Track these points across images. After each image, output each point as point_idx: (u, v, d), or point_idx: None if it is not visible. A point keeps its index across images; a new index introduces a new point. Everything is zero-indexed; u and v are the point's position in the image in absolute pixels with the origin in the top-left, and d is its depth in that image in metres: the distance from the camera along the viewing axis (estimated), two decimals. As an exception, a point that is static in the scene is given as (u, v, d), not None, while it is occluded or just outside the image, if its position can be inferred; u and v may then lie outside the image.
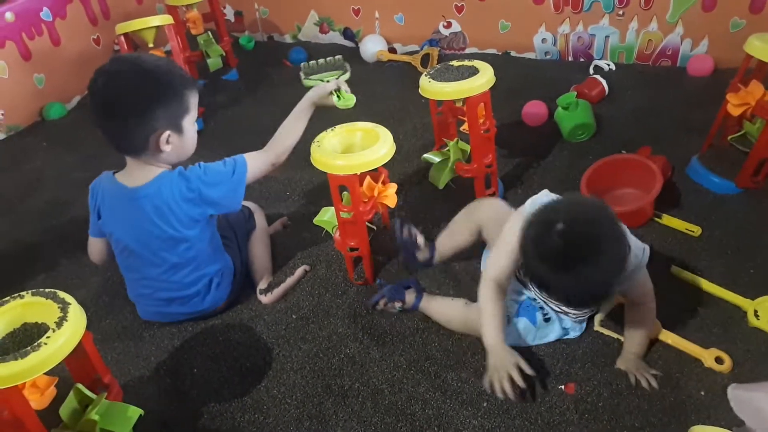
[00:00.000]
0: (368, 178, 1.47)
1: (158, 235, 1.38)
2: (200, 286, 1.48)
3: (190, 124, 1.39)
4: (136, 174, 1.38)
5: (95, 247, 1.53)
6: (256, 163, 1.45)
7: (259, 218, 1.73)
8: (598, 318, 1.38)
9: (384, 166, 1.44)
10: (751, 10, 2.28)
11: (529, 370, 1.19)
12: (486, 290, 1.26)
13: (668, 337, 1.32)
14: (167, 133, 1.33)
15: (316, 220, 1.62)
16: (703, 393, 1.22)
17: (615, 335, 1.34)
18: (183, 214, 1.37)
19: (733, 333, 1.33)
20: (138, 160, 1.37)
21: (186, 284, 1.46)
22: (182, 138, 1.37)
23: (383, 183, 1.51)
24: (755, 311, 1.35)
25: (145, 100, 1.30)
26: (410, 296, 1.46)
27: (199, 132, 2.38)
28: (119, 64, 1.35)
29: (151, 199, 1.36)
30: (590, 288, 1.10)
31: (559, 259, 1.06)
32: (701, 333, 1.33)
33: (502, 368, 1.19)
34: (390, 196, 1.52)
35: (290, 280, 1.60)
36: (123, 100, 1.30)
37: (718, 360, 1.26)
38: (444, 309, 1.42)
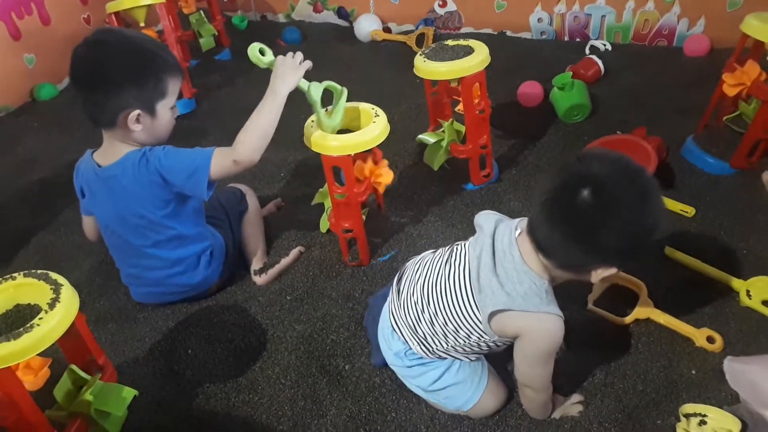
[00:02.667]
0: (359, 161, 1.47)
1: (133, 214, 1.37)
2: (186, 264, 1.47)
3: (166, 108, 1.36)
4: (108, 151, 1.37)
5: (88, 225, 1.53)
6: (219, 159, 1.32)
7: (251, 200, 1.72)
8: (591, 298, 1.39)
9: (378, 147, 1.43)
10: (749, -10, 2.27)
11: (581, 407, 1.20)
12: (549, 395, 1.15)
13: (660, 316, 1.32)
14: (137, 112, 1.30)
15: (316, 201, 1.62)
16: (694, 372, 1.23)
17: (606, 314, 1.35)
18: (149, 194, 1.35)
19: (724, 313, 1.34)
20: (110, 136, 1.36)
21: (171, 262, 1.45)
22: (154, 121, 1.34)
23: (375, 162, 1.51)
24: (747, 291, 1.35)
25: (118, 75, 1.28)
26: None
27: (192, 112, 2.42)
28: (104, 34, 1.33)
29: (118, 180, 1.34)
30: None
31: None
32: (693, 313, 1.34)
33: (573, 410, 1.18)
34: (384, 174, 1.51)
35: (285, 262, 1.60)
36: (97, 70, 1.29)
37: (710, 339, 1.27)
38: None
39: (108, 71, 1.28)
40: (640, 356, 1.27)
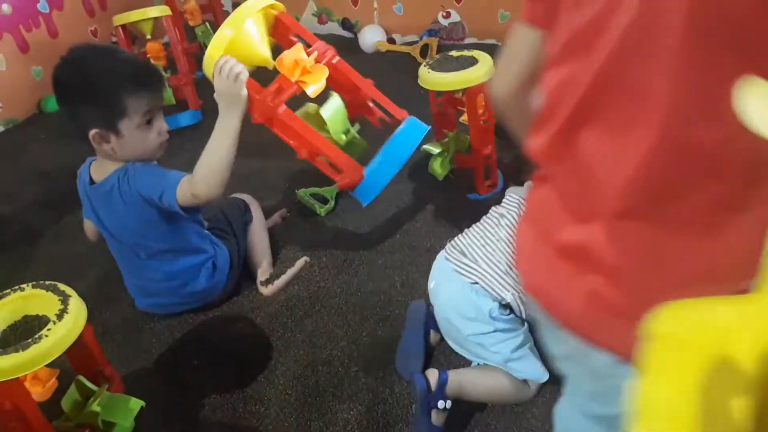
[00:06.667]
0: (298, 50, 1.36)
1: (125, 227, 1.40)
2: (185, 277, 1.47)
3: (131, 128, 1.31)
4: (100, 167, 1.40)
5: (88, 227, 1.54)
6: (182, 189, 1.29)
7: (256, 210, 1.72)
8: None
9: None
10: None
11: None
12: None
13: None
14: (95, 131, 1.30)
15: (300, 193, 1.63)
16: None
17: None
18: (136, 209, 1.36)
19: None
20: (96, 152, 1.38)
21: (169, 274, 1.46)
22: (121, 140, 1.32)
23: (316, 62, 1.37)
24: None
25: (74, 95, 1.31)
26: (433, 378, 1.19)
27: (197, 124, 2.43)
28: (72, 53, 1.35)
29: (106, 196, 1.37)
30: None
31: None
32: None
33: None
34: (315, 81, 1.36)
35: (291, 272, 1.60)
36: (60, 89, 1.34)
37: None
38: (485, 381, 1.22)
39: (70, 90, 1.32)
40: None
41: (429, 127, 1.52)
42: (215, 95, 1.35)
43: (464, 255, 1.25)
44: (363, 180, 1.42)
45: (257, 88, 1.34)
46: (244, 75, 1.32)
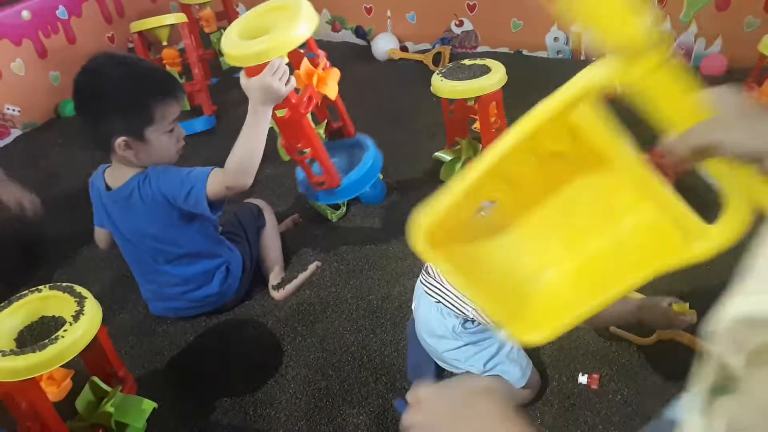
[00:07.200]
0: (306, 61, 1.38)
1: (144, 233, 1.41)
2: (200, 281, 1.49)
3: (158, 134, 1.35)
4: (116, 174, 1.41)
5: (100, 235, 1.56)
6: (213, 183, 1.33)
7: (269, 215, 1.74)
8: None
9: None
10: (766, 10, 2.27)
11: None
12: None
13: (684, 336, 1.30)
14: (122, 139, 1.32)
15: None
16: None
17: (629, 335, 1.34)
18: (156, 213, 1.38)
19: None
20: (114, 159, 1.40)
21: (185, 279, 1.48)
22: (147, 146, 1.35)
23: (315, 65, 1.41)
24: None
25: (102, 103, 1.32)
26: None
27: (211, 129, 2.46)
28: (97, 61, 1.37)
29: (125, 201, 1.38)
30: None
31: None
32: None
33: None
34: (331, 84, 1.41)
35: (302, 276, 1.61)
36: (85, 97, 1.35)
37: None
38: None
39: (93, 99, 1.33)
40: (662, 377, 1.26)
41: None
42: (251, 86, 1.34)
43: (431, 275, 1.24)
44: (339, 187, 1.60)
45: (292, 93, 1.38)
46: (294, 82, 1.37)
